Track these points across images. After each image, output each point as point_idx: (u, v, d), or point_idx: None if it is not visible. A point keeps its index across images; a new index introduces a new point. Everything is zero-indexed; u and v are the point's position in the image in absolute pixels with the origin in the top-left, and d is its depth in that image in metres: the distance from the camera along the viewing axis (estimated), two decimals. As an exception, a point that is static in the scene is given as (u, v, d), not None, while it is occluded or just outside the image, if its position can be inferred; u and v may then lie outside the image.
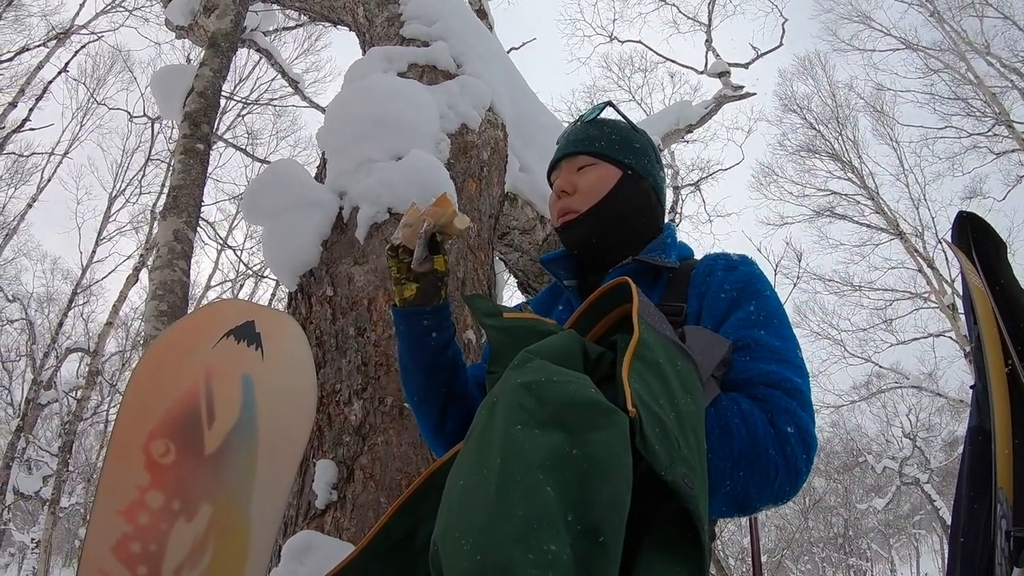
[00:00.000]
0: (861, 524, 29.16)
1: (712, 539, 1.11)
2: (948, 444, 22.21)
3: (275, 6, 5.31)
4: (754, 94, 10.61)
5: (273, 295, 17.61)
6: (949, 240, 2.47)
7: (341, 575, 1.06)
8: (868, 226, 18.11)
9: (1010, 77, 15.60)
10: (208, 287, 19.36)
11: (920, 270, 16.64)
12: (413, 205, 1.40)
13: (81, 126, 18.55)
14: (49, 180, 17.53)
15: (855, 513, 28.10)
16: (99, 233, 17.91)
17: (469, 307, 1.23)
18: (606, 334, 1.12)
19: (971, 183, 17.95)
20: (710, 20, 13.21)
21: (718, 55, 11.88)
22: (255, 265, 18.64)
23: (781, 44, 12.81)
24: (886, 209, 17.35)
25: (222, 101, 4.63)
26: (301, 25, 8.03)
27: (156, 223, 15.57)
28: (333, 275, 2.61)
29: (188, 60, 14.63)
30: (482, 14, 5.01)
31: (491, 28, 5.30)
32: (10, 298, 18.50)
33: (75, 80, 18.26)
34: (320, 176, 3.02)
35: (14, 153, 16.75)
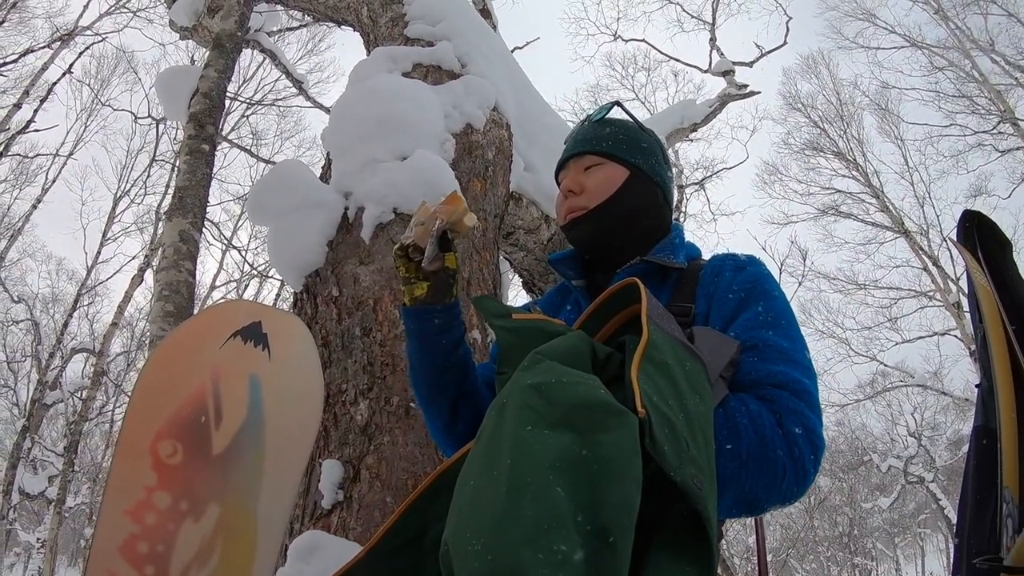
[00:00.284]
0: (866, 523, 29.09)
1: (719, 538, 1.11)
2: (953, 443, 22.17)
3: (279, 7, 5.31)
4: (758, 93, 10.59)
5: (278, 295, 17.64)
6: (954, 239, 2.47)
7: (349, 574, 1.06)
8: (873, 224, 18.10)
9: (1015, 74, 15.57)
10: (213, 287, 19.41)
11: (925, 268, 16.61)
12: (424, 204, 1.40)
13: (85, 127, 18.62)
14: (54, 181, 17.61)
15: (860, 512, 28.03)
16: (104, 234, 17.96)
17: (477, 308, 1.23)
18: (615, 335, 1.12)
19: (976, 181, 17.95)
20: (714, 19, 13.22)
21: (722, 54, 11.86)
22: (260, 265, 18.67)
23: (785, 42, 12.78)
24: (891, 207, 17.33)
25: (226, 102, 4.64)
26: (305, 25, 8.05)
27: (161, 224, 15.61)
28: (339, 275, 2.62)
29: (192, 61, 14.68)
30: (486, 13, 5.00)
31: (495, 27, 5.29)
32: (15, 299, 18.55)
33: (79, 81, 18.33)
34: (325, 176, 3.02)
35: (19, 154, 16.78)
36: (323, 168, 3.17)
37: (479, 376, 1.52)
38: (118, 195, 18.52)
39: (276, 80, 16.99)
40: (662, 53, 16.77)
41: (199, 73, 3.94)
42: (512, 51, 5.74)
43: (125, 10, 16.04)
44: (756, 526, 2.27)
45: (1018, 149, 16.02)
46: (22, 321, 18.92)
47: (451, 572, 0.71)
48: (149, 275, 14.58)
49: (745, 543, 25.66)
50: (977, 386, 2.36)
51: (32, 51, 15.45)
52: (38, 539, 17.29)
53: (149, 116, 17.17)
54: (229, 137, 15.13)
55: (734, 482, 1.08)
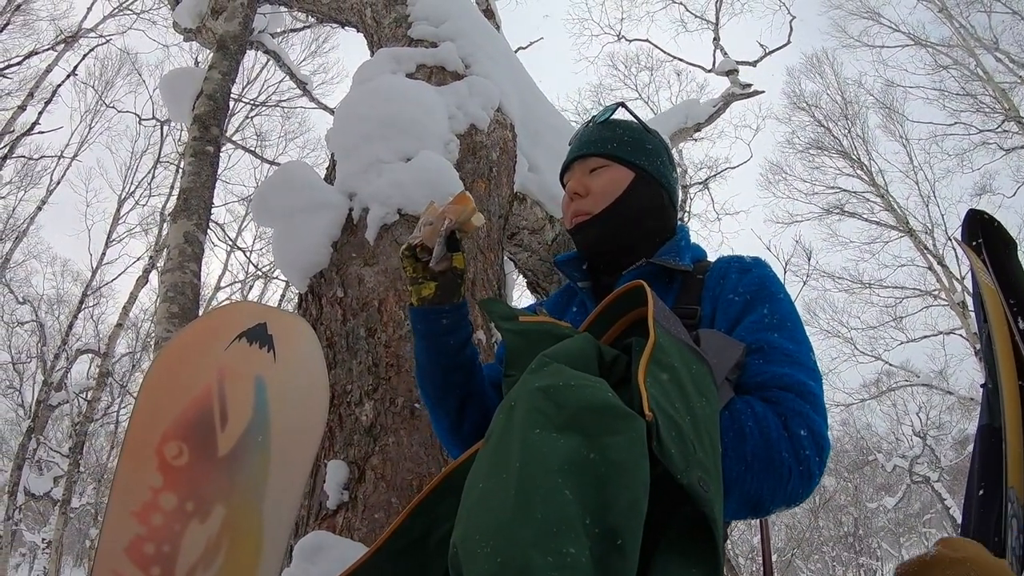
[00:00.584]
0: (871, 523, 29.02)
1: (724, 540, 1.11)
2: (959, 442, 22.10)
3: (283, 8, 5.32)
4: (762, 92, 10.57)
5: (283, 296, 17.66)
6: (959, 238, 2.47)
7: (355, 575, 1.07)
8: (877, 223, 18.05)
9: (1019, 73, 15.53)
10: (218, 288, 19.42)
11: (930, 267, 16.56)
12: (432, 203, 1.39)
13: (90, 129, 18.65)
14: (58, 183, 17.65)
15: (865, 512, 27.96)
16: (109, 235, 17.98)
17: (484, 311, 1.23)
18: (620, 337, 1.13)
19: (981, 180, 17.92)
20: (717, 18, 13.20)
21: (726, 53, 11.83)
22: (265, 266, 18.70)
23: (789, 42, 12.76)
24: (895, 206, 17.29)
25: (231, 103, 4.65)
26: (309, 27, 8.04)
27: (166, 225, 15.65)
28: (343, 276, 2.62)
29: (196, 63, 14.70)
30: (489, 14, 5.00)
31: (498, 28, 5.29)
32: (21, 300, 18.59)
33: (84, 83, 18.36)
34: (329, 177, 3.03)
35: (24, 156, 16.84)
36: (327, 169, 3.18)
37: (485, 377, 1.52)
38: (123, 196, 18.57)
39: (280, 81, 17.02)
40: (665, 53, 16.83)
41: (203, 75, 3.96)
42: (516, 51, 5.74)
43: (129, 12, 16.09)
44: (761, 526, 2.27)
45: (1023, 148, 15.98)
46: (27, 322, 18.96)
47: (460, 574, 0.71)
48: (154, 276, 14.61)
49: (750, 543, 25.63)
50: (982, 386, 2.36)
51: (36, 53, 15.51)
52: (43, 539, 17.29)
53: (153, 118, 17.19)
54: (233, 138, 15.18)
55: (740, 484, 1.08)
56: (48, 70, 15.21)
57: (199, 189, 3.50)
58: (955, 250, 15.34)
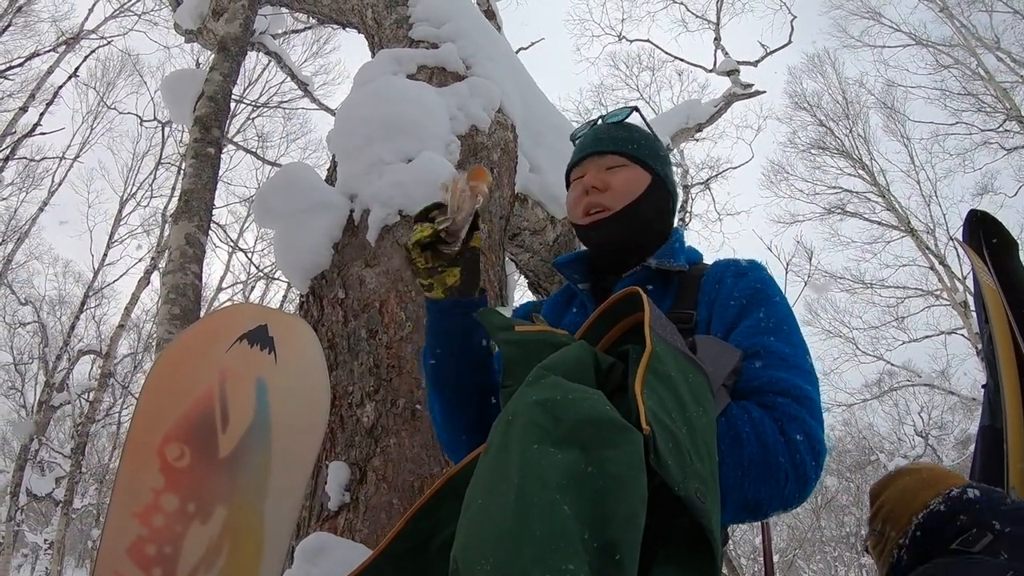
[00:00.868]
0: (873, 523, 28.95)
1: (724, 541, 1.11)
2: (960, 442, 22.06)
3: (284, 9, 5.33)
4: (763, 92, 10.59)
5: (284, 298, 17.66)
6: (960, 239, 2.47)
7: None
8: (879, 223, 18.01)
9: (1020, 72, 15.51)
10: (219, 289, 19.42)
11: (932, 267, 16.53)
12: (455, 181, 1.26)
13: (91, 130, 18.64)
14: (60, 184, 17.64)
15: (867, 512, 27.89)
16: (110, 236, 18.00)
17: (481, 321, 1.22)
18: (617, 342, 1.13)
19: (982, 179, 17.83)
20: (719, 18, 13.21)
21: (727, 53, 11.84)
22: (266, 267, 18.69)
23: (790, 41, 12.78)
24: (897, 206, 17.26)
25: (232, 104, 4.65)
26: (310, 28, 8.06)
27: (167, 226, 15.66)
28: (344, 277, 2.62)
29: (197, 64, 14.68)
30: (490, 15, 5.01)
31: (499, 28, 5.30)
32: (23, 301, 18.60)
33: (85, 84, 18.35)
34: (331, 179, 3.03)
35: (25, 158, 16.83)
36: (329, 170, 3.18)
37: None
38: (124, 198, 18.58)
39: (281, 82, 17.00)
40: (666, 53, 16.75)
41: (204, 77, 3.96)
42: (517, 52, 5.75)
43: (130, 13, 16.10)
44: (762, 527, 2.27)
45: (1024, 147, 15.97)
46: (29, 323, 18.97)
47: None
48: (156, 277, 14.62)
49: (752, 543, 25.61)
50: (983, 386, 2.36)
51: (38, 54, 15.54)
52: (45, 540, 17.32)
53: (155, 119, 17.19)
54: (235, 140, 15.19)
55: (737, 489, 1.09)
56: (49, 71, 15.22)
57: (200, 190, 3.50)
58: (957, 250, 15.32)
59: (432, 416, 1.51)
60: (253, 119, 17.95)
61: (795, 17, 13.12)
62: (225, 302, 18.29)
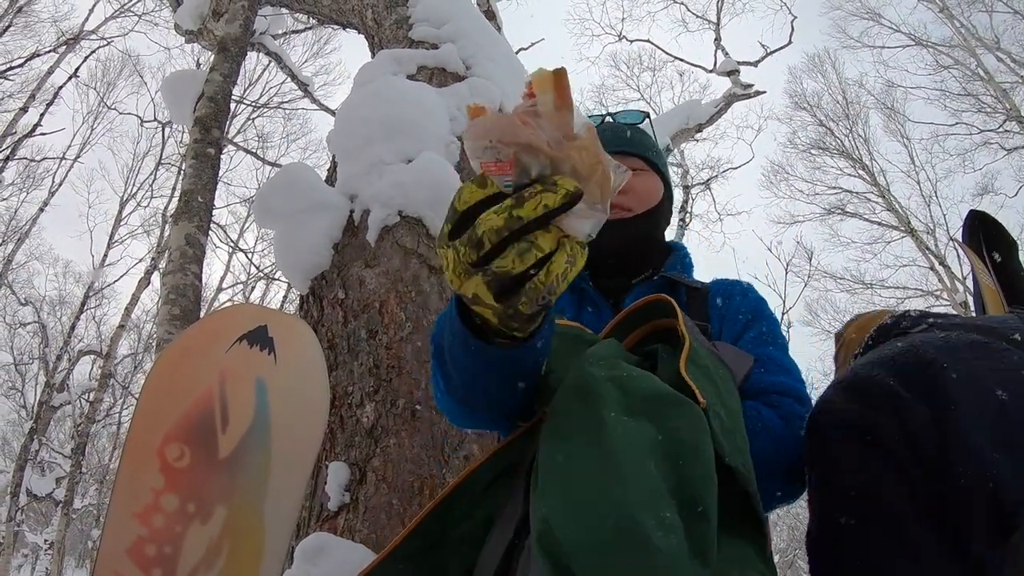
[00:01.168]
0: (874, 523, 28.97)
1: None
2: (961, 442, 22.06)
3: (284, 10, 5.33)
4: (764, 92, 10.60)
5: (285, 298, 17.67)
6: (960, 239, 2.47)
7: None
8: (879, 224, 18.00)
9: (1020, 72, 15.51)
10: (220, 289, 19.44)
11: (932, 268, 16.52)
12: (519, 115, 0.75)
13: (92, 130, 18.67)
14: (60, 184, 17.66)
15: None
16: (111, 237, 18.02)
17: None
18: (637, 346, 1.17)
19: (982, 180, 17.86)
20: (719, 18, 13.25)
21: (727, 53, 11.85)
22: (266, 268, 18.71)
23: (790, 42, 12.80)
24: (897, 207, 17.26)
25: (232, 105, 4.66)
26: (310, 28, 8.05)
27: (168, 227, 15.66)
28: (344, 278, 2.62)
29: (198, 64, 14.70)
30: (490, 15, 5.02)
31: (499, 29, 5.30)
32: (23, 301, 18.61)
33: (85, 85, 18.39)
34: (331, 179, 3.03)
35: (26, 158, 16.84)
36: (329, 171, 3.18)
37: None
38: (124, 198, 18.60)
39: (282, 83, 17.05)
40: (667, 53, 16.77)
41: (204, 77, 3.96)
42: (517, 52, 5.75)
43: (130, 14, 16.13)
44: (762, 527, 2.28)
45: (1024, 147, 15.97)
46: (29, 323, 18.98)
47: (550, 551, 0.73)
48: (156, 277, 14.63)
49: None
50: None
51: (38, 55, 15.55)
52: (46, 540, 17.33)
53: (155, 119, 17.23)
54: (235, 140, 15.20)
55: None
56: (50, 72, 15.25)
57: (200, 191, 3.50)
58: (957, 250, 15.33)
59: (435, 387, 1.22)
60: (253, 119, 17.99)
61: (795, 17, 13.17)
62: (225, 302, 18.31)
